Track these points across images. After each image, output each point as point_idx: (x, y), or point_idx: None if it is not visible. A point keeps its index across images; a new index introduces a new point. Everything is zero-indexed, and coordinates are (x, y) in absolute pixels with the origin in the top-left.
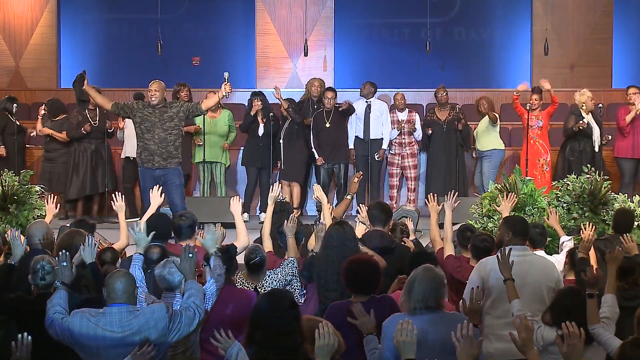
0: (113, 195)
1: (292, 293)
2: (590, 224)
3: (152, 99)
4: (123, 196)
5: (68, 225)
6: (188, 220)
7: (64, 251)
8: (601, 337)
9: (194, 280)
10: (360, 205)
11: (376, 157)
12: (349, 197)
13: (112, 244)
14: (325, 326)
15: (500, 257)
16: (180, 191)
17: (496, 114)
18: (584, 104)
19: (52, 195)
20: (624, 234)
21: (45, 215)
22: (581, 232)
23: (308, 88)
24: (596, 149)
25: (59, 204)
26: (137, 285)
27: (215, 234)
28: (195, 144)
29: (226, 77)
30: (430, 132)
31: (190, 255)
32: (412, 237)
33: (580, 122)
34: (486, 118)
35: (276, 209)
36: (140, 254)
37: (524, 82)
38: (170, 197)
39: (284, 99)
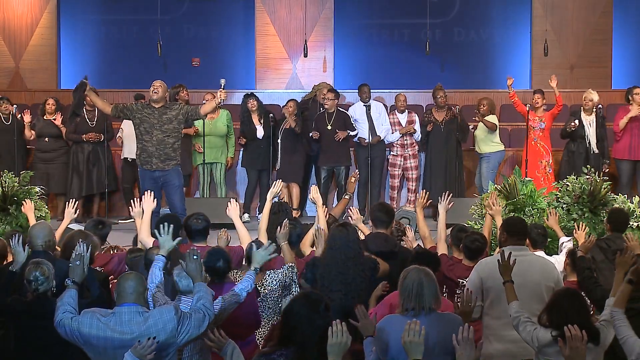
0: (132, 201)
1: (324, 296)
2: (583, 224)
3: (154, 93)
4: (140, 200)
5: (82, 226)
6: (202, 222)
7: (77, 251)
8: (618, 321)
9: (202, 282)
10: (351, 208)
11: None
12: (347, 197)
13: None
14: (338, 324)
15: (500, 260)
16: (179, 192)
17: (495, 123)
18: (585, 103)
19: (50, 196)
20: (627, 233)
21: (45, 216)
22: (574, 232)
23: (315, 91)
24: (591, 151)
25: (78, 209)
26: (156, 285)
27: (271, 254)
28: (196, 150)
29: (222, 84)
30: (430, 128)
31: (195, 257)
32: (414, 243)
33: (572, 123)
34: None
35: (275, 209)
36: (163, 255)
37: (508, 77)
38: (170, 198)
39: (293, 116)
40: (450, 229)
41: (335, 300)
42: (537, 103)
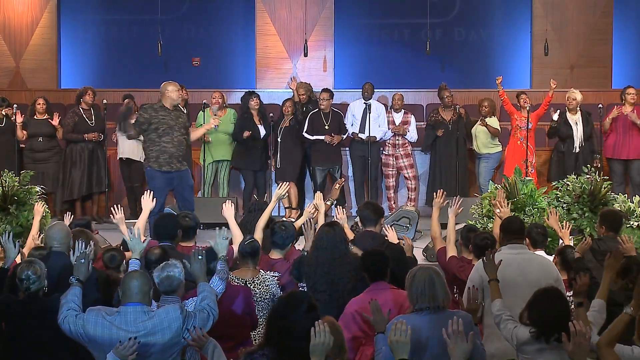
0: (112, 208)
1: (310, 296)
2: (567, 223)
3: (179, 97)
4: (122, 208)
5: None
6: (191, 222)
7: (79, 250)
8: (593, 345)
9: (205, 282)
10: (338, 207)
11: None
12: (328, 202)
13: (112, 245)
14: (320, 324)
15: (485, 259)
16: (192, 190)
17: (498, 128)
18: (569, 103)
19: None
20: (622, 235)
21: (46, 216)
22: (559, 230)
23: (294, 92)
24: (576, 149)
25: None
26: None
27: (227, 238)
28: (205, 141)
29: (215, 111)
30: (440, 134)
31: (200, 257)
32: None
33: (554, 118)
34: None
35: (253, 207)
36: (136, 259)
37: (498, 77)
38: (185, 196)
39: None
40: (460, 229)
41: (320, 300)
42: (525, 103)
